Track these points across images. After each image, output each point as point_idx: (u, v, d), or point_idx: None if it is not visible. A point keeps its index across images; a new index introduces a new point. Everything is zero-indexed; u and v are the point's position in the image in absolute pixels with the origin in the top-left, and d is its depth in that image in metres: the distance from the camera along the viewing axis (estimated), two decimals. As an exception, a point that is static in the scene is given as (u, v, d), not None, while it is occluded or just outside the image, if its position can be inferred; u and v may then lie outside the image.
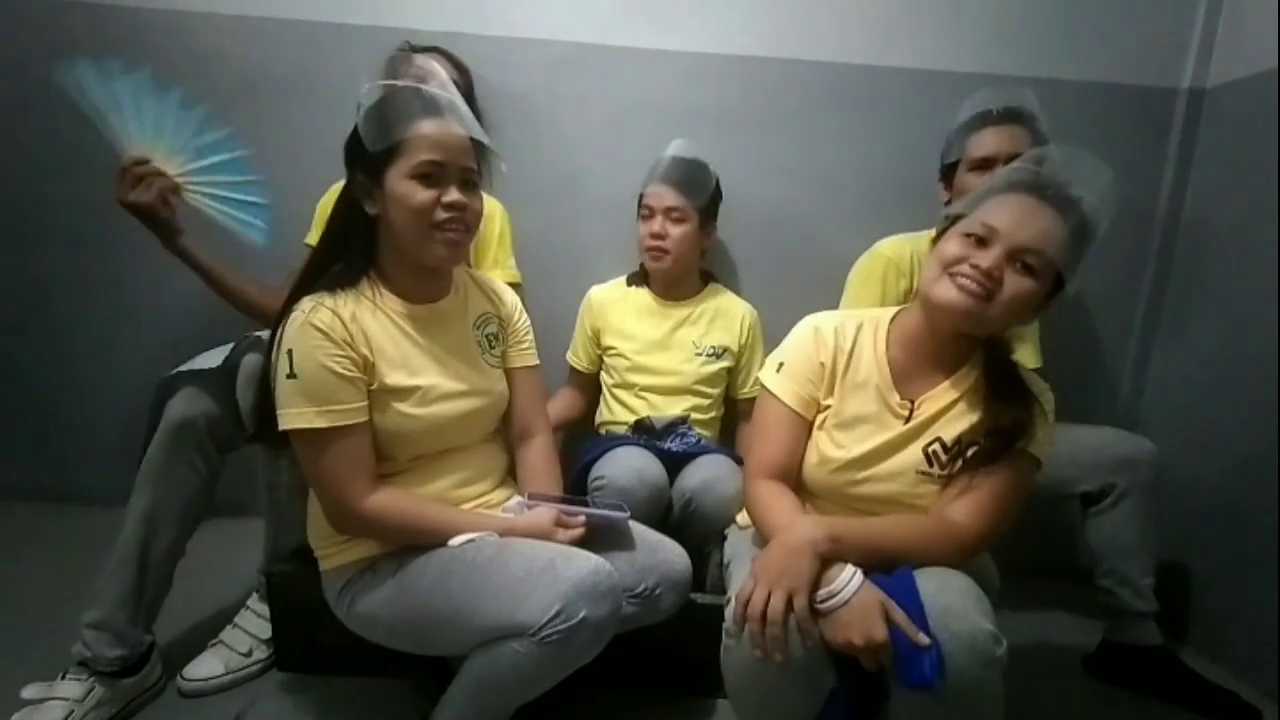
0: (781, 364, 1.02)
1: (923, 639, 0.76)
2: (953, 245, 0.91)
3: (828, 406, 1.01)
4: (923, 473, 0.95)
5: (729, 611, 0.86)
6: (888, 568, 0.85)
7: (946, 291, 0.89)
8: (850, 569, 0.82)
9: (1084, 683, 1.36)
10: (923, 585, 0.81)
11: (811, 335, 1.02)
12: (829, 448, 0.99)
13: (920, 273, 1.39)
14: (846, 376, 1.00)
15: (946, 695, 0.76)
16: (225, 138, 1.23)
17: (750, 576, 0.82)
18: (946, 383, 0.98)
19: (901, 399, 0.98)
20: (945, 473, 0.95)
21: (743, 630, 0.81)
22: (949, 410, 0.96)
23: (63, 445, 1.79)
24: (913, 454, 0.96)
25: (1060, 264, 0.88)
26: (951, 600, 0.79)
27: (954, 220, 0.95)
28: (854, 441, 0.98)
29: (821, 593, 0.81)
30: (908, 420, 0.97)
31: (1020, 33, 1.60)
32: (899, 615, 0.78)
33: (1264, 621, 1.33)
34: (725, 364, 1.52)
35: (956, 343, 0.97)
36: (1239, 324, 1.46)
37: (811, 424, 1.02)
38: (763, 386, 1.04)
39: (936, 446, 0.95)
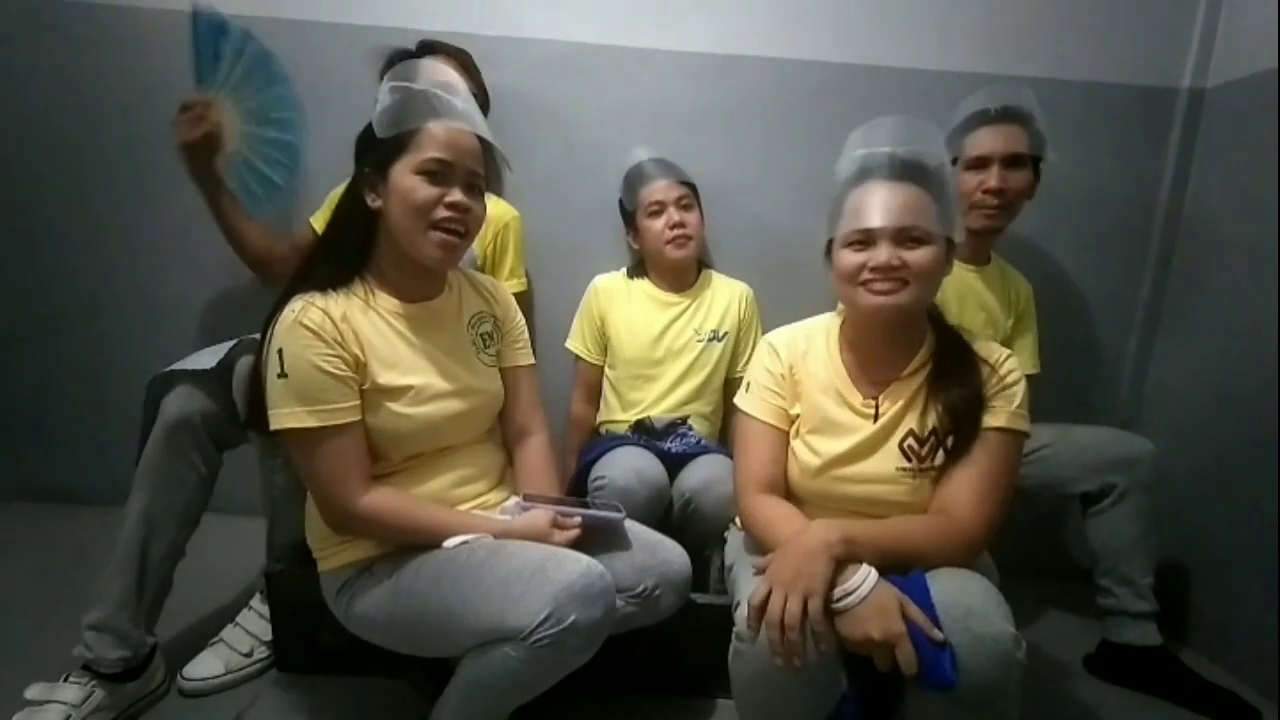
0: (749, 384, 1.07)
1: (938, 634, 0.76)
2: (846, 258, 0.95)
3: (798, 415, 1.03)
4: (903, 469, 0.96)
5: (739, 616, 0.85)
6: (901, 570, 0.85)
7: (868, 300, 0.93)
8: (866, 568, 0.82)
9: (1084, 683, 1.35)
10: (943, 588, 0.81)
11: (768, 351, 1.07)
12: (806, 455, 1.01)
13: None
14: (807, 384, 1.03)
15: (966, 697, 0.76)
16: (290, 120, 1.41)
17: (764, 581, 0.81)
18: (904, 374, 0.99)
19: (864, 398, 1.00)
20: (926, 465, 0.95)
21: (756, 635, 0.80)
22: (914, 401, 0.98)
23: (63, 445, 1.79)
24: (889, 452, 0.97)
25: (938, 221, 0.92)
26: (973, 603, 0.79)
27: (828, 246, 1.00)
28: (827, 445, 0.99)
29: (838, 591, 0.80)
30: (875, 419, 0.98)
31: (1020, 33, 1.60)
32: (915, 612, 0.77)
33: (1264, 621, 1.32)
34: (724, 345, 1.53)
35: (900, 332, 0.99)
36: (1239, 324, 1.46)
37: (788, 435, 1.04)
38: (738, 409, 1.08)
39: (911, 441, 0.96)
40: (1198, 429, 1.54)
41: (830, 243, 0.99)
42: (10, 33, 1.60)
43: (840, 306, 1.07)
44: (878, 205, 0.92)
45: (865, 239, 0.93)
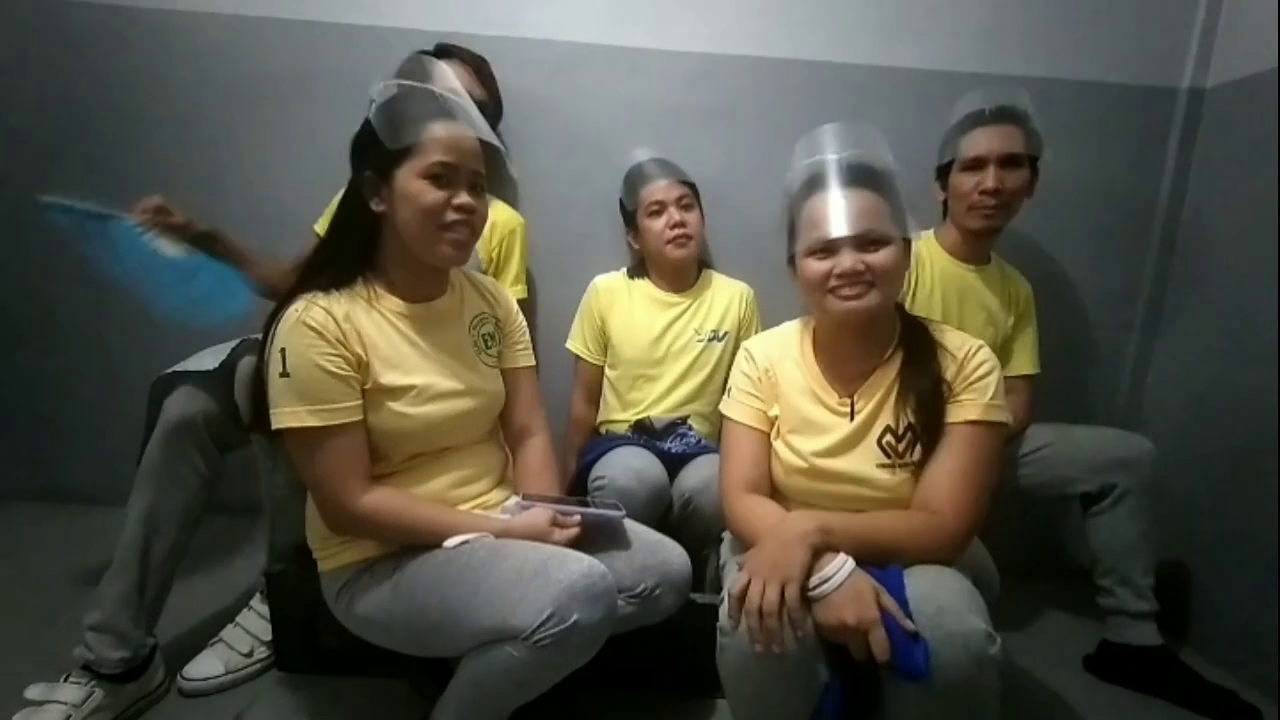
0: (730, 389, 1.10)
1: (910, 625, 0.77)
2: (811, 267, 0.96)
3: (776, 416, 1.05)
4: (883, 465, 0.97)
5: (723, 608, 0.86)
6: (879, 563, 0.86)
7: (839, 306, 0.95)
8: (842, 557, 0.83)
9: (1084, 683, 1.35)
10: (916, 584, 0.82)
11: (744, 357, 1.10)
12: (788, 455, 1.02)
13: (917, 271, 1.41)
14: (783, 385, 1.05)
15: (940, 693, 0.76)
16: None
17: (744, 571, 0.83)
18: (877, 371, 1.01)
19: (840, 398, 1.01)
20: (905, 461, 0.96)
21: (737, 626, 0.81)
22: (887, 396, 0.99)
23: (64, 446, 1.79)
24: (868, 449, 0.98)
25: (893, 222, 0.94)
26: (945, 599, 0.80)
27: (792, 256, 1.01)
28: (807, 445, 1.01)
29: (814, 579, 0.81)
30: (851, 417, 0.99)
31: (1020, 33, 1.60)
32: (890, 602, 0.79)
33: (1264, 621, 1.32)
34: (725, 345, 1.53)
35: (869, 331, 1.00)
36: (1239, 324, 1.46)
37: (769, 436, 1.06)
38: (721, 413, 1.10)
39: (888, 437, 0.97)
40: (1198, 429, 1.54)
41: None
42: (9, 33, 1.60)
43: (806, 313, 1.09)
44: (836, 214, 0.93)
45: (830, 247, 0.94)
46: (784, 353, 1.07)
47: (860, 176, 0.95)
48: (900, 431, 0.97)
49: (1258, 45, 1.46)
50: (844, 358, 1.02)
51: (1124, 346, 1.73)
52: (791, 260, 1.02)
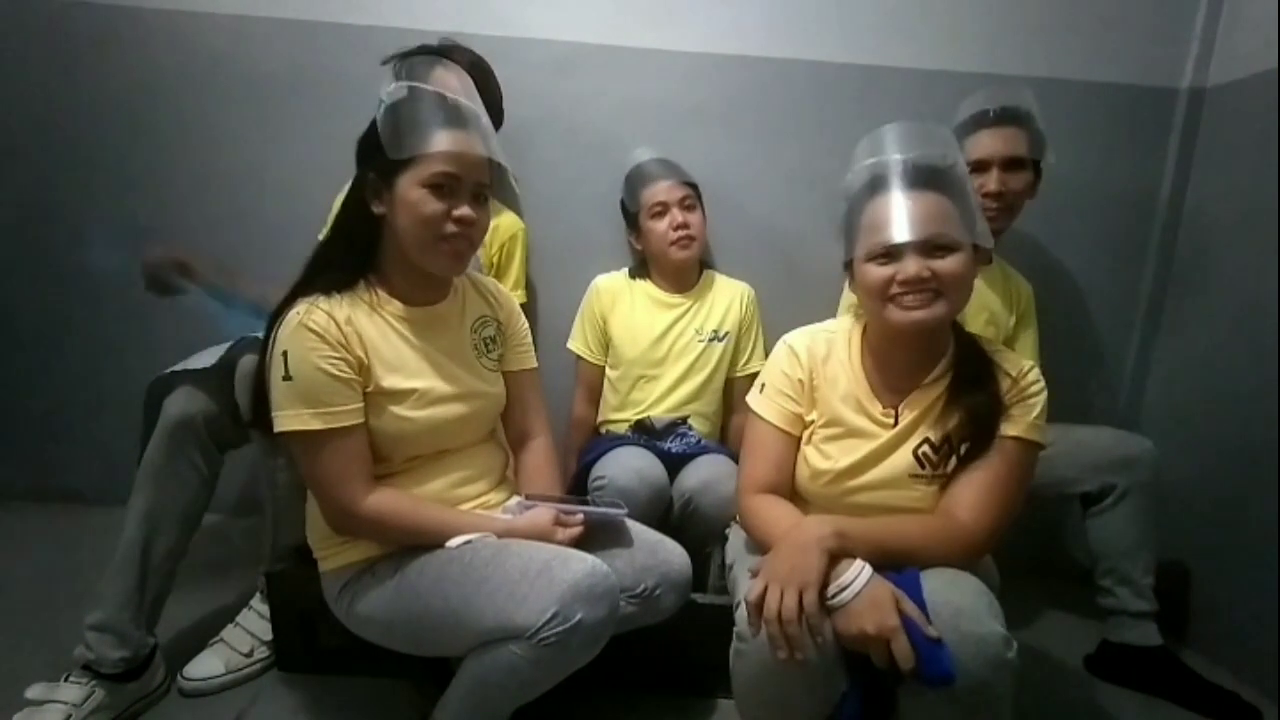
0: (764, 385, 1.05)
1: (933, 631, 0.76)
2: (872, 273, 0.92)
3: (812, 421, 1.02)
4: (915, 476, 0.95)
5: (739, 615, 0.85)
6: (895, 567, 0.85)
7: (901, 315, 0.90)
8: (860, 563, 0.82)
9: (1084, 683, 1.35)
10: (933, 587, 0.81)
11: (787, 354, 1.04)
12: (818, 460, 1.00)
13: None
14: (825, 390, 1.01)
15: (957, 697, 0.76)
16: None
17: (760, 578, 0.81)
18: (925, 383, 0.98)
19: (884, 408, 0.98)
20: (939, 472, 0.95)
21: (757, 633, 0.80)
22: (932, 409, 0.96)
23: (64, 445, 1.79)
24: (902, 458, 0.96)
25: (962, 227, 0.90)
26: (962, 602, 0.79)
27: (848, 261, 0.97)
28: (842, 453, 0.98)
29: (832, 587, 0.80)
30: (893, 426, 0.97)
31: (1020, 33, 1.60)
32: (910, 607, 0.78)
33: (1264, 621, 1.32)
34: (725, 345, 1.53)
35: (926, 343, 0.97)
36: (1239, 324, 1.46)
37: (798, 440, 1.03)
38: (749, 408, 1.06)
39: (926, 448, 0.95)
40: (1198, 429, 1.54)
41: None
42: (10, 33, 1.60)
43: (858, 311, 1.05)
44: (900, 217, 0.88)
45: (894, 252, 0.90)
46: (830, 354, 1.03)
47: (927, 178, 0.90)
48: (939, 444, 0.95)
49: (1258, 45, 1.46)
50: (895, 367, 0.99)
51: (1124, 346, 1.73)
52: (847, 265, 0.98)
